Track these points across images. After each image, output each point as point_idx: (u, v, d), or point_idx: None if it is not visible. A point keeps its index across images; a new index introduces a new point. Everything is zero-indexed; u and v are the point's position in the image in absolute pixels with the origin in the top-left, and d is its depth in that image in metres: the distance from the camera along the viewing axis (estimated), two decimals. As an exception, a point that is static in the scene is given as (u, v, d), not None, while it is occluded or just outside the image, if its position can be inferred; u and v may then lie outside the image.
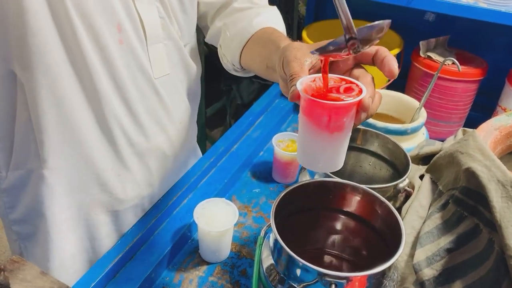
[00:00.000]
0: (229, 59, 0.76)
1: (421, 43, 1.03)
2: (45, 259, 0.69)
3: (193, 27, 0.75)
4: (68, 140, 0.63)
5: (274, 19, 0.74)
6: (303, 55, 0.49)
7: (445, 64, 0.97)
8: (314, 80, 0.46)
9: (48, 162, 0.63)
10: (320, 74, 0.46)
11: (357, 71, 0.48)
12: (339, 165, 0.48)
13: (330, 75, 0.46)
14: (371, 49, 0.47)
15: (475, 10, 0.92)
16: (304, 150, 0.49)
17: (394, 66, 0.45)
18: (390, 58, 0.46)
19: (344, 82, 0.46)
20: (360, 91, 0.44)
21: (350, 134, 0.46)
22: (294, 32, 1.80)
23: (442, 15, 0.99)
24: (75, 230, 0.70)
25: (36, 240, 0.70)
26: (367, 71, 0.49)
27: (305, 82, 0.45)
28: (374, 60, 0.48)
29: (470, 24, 1.06)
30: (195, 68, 0.78)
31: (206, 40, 0.83)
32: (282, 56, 0.51)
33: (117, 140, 0.67)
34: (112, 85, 0.62)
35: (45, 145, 0.62)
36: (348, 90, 0.44)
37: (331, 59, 0.46)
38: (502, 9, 0.90)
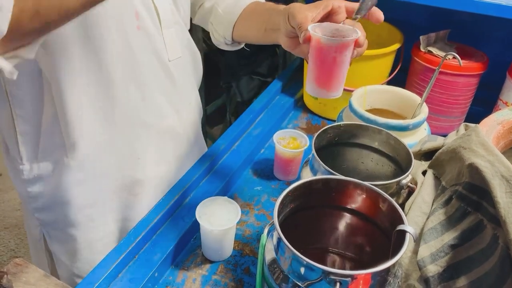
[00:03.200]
0: (221, 34, 0.85)
1: (421, 37, 1.02)
2: (71, 240, 0.74)
3: (189, 12, 0.82)
4: (92, 129, 0.67)
5: None
6: (306, 10, 0.62)
7: (446, 59, 0.96)
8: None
9: (73, 152, 0.67)
10: (320, 23, 0.61)
11: (349, 21, 0.62)
12: (341, 91, 0.65)
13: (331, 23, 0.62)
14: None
15: (475, 4, 0.91)
16: (312, 82, 0.63)
17: (378, 12, 0.60)
18: (375, 9, 0.60)
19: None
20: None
21: (348, 66, 0.62)
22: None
23: (442, 9, 0.98)
24: (99, 215, 0.74)
25: (59, 226, 0.73)
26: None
27: (311, 28, 0.59)
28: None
29: (470, 18, 1.06)
30: (197, 51, 0.85)
31: (194, 21, 0.92)
32: (287, 13, 0.63)
33: (135, 124, 0.71)
34: (128, 72, 0.67)
35: (71, 136, 0.66)
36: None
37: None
38: (503, 2, 0.89)
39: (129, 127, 0.71)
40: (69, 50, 0.61)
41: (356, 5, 0.61)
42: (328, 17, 0.63)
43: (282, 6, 0.74)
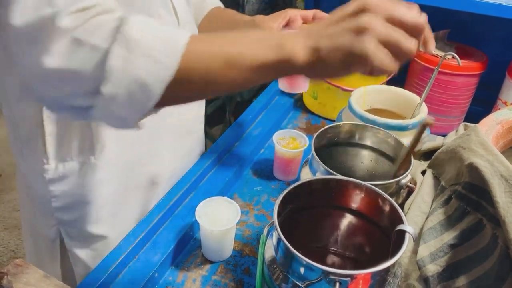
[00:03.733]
0: None
1: (420, 37, 1.02)
2: (91, 237, 0.74)
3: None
4: (117, 131, 0.66)
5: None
6: (270, 21, 0.69)
7: (445, 59, 0.97)
8: None
9: (101, 153, 0.68)
10: None
11: (305, 26, 0.72)
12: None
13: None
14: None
15: (475, 4, 0.91)
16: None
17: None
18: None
19: None
20: None
21: None
22: (293, 28, 1.79)
23: (442, 9, 0.98)
24: (121, 211, 0.76)
25: (81, 224, 0.74)
26: None
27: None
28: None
29: (470, 17, 1.06)
30: None
31: None
32: (253, 25, 0.69)
33: (156, 121, 0.70)
34: None
35: (100, 137, 0.67)
36: None
37: None
38: (502, 2, 0.89)
39: (152, 123, 0.72)
40: None
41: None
42: (287, 25, 0.77)
43: (246, 17, 0.82)
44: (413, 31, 0.46)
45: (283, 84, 0.88)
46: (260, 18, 0.78)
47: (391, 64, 0.44)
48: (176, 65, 0.44)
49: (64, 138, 0.67)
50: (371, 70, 0.44)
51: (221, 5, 0.90)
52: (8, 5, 0.44)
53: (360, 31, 0.43)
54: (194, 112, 0.85)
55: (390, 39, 0.44)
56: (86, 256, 0.76)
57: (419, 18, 0.47)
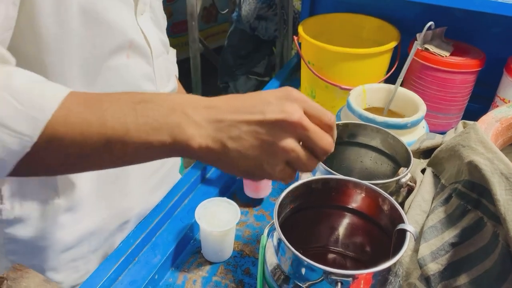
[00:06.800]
0: None
1: (417, 35, 1.02)
2: (47, 282, 0.65)
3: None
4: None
5: None
6: None
7: (443, 56, 0.97)
8: None
9: (68, 193, 0.62)
10: None
11: None
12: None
13: None
14: None
15: (472, 1, 0.91)
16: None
17: None
18: None
19: None
20: None
21: None
22: (290, 28, 1.79)
23: (439, 7, 0.98)
24: (83, 254, 0.69)
25: (36, 269, 0.64)
26: None
27: None
28: None
29: (467, 14, 1.06)
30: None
31: None
32: None
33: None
34: None
35: (68, 175, 0.61)
36: None
37: None
38: (499, -1, 0.89)
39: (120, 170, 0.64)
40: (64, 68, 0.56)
41: None
42: None
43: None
44: (327, 128, 0.45)
45: (247, 191, 0.84)
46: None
47: (291, 180, 0.46)
48: (34, 138, 0.38)
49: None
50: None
51: (176, 74, 0.87)
52: None
53: (273, 144, 0.41)
54: None
55: (309, 137, 0.43)
56: None
57: (332, 116, 0.45)
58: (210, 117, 0.41)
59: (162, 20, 0.74)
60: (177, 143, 0.40)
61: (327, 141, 0.44)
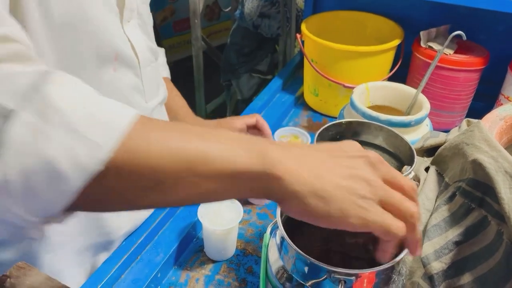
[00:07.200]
0: None
1: (421, 33, 1.02)
2: None
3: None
4: None
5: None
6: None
7: (447, 54, 0.96)
8: None
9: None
10: None
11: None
12: None
13: None
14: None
15: (476, -2, 0.91)
16: None
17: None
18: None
19: None
20: None
21: None
22: (293, 26, 1.78)
23: (443, 4, 0.98)
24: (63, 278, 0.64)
25: None
26: None
27: None
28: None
29: (471, 12, 1.05)
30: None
31: None
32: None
33: None
34: None
35: None
36: None
37: None
38: (503, -4, 0.89)
39: None
40: None
41: None
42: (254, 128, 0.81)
43: (192, 115, 0.85)
44: (409, 194, 0.41)
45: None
46: (228, 121, 0.81)
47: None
48: (111, 150, 0.31)
49: None
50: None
51: (168, 75, 0.87)
52: None
53: (363, 195, 0.38)
54: None
55: (390, 200, 0.39)
56: None
57: (412, 183, 0.42)
58: (293, 154, 0.38)
59: (148, 21, 0.70)
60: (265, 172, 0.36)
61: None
